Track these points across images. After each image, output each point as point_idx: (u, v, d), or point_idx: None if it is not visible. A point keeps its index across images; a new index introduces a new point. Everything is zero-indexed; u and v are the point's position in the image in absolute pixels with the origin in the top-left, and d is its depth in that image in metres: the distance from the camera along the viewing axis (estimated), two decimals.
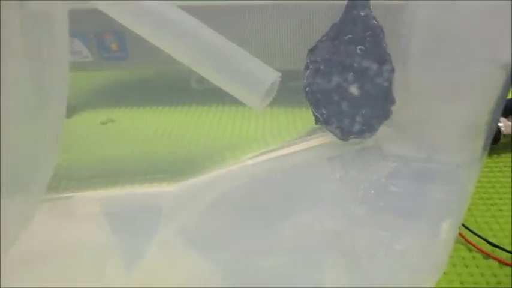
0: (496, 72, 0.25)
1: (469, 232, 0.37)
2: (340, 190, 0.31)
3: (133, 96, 0.42)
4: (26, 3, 0.18)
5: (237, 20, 0.36)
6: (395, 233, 0.28)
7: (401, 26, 0.28)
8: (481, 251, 0.35)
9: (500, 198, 0.42)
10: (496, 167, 0.46)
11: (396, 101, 0.29)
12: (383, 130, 0.30)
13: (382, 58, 0.28)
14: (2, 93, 0.18)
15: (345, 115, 0.30)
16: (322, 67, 0.29)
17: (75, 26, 0.38)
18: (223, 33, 0.26)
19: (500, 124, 0.47)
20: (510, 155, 0.48)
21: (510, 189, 0.43)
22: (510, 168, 0.46)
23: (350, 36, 0.28)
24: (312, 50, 0.29)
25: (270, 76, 0.26)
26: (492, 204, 0.41)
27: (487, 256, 0.35)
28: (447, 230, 0.28)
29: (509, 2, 0.23)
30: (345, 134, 0.30)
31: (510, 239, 0.37)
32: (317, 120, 0.31)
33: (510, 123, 0.47)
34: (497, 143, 0.47)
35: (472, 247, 0.36)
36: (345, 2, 0.28)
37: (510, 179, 0.44)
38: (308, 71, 0.30)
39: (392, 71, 0.28)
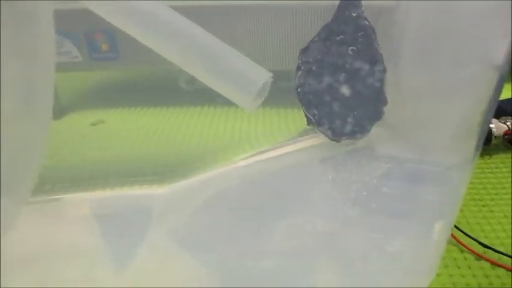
0: (488, 73, 0.25)
1: (461, 233, 0.37)
2: (333, 191, 0.31)
3: (124, 97, 0.41)
4: (11, 3, 0.18)
5: (229, 20, 0.36)
6: (387, 234, 0.28)
7: (393, 26, 0.28)
8: (472, 252, 0.35)
9: (492, 199, 0.42)
10: (487, 168, 0.46)
11: (388, 101, 0.29)
12: (375, 131, 0.29)
13: (374, 59, 0.28)
14: None
15: (336, 116, 0.29)
16: (314, 68, 0.29)
17: (65, 25, 0.38)
18: (214, 34, 0.26)
19: (491, 125, 0.47)
20: (501, 156, 0.48)
21: (501, 191, 0.43)
22: (501, 170, 0.46)
23: (342, 36, 0.28)
24: (303, 51, 0.29)
25: (262, 76, 0.26)
26: (484, 205, 0.41)
27: (478, 257, 0.35)
28: (439, 231, 0.28)
29: (502, 2, 0.23)
30: (336, 135, 0.30)
31: (501, 240, 0.37)
32: (309, 121, 0.30)
33: (501, 124, 0.47)
34: (488, 144, 0.47)
35: (464, 248, 0.36)
36: (337, 2, 0.28)
37: (501, 180, 0.44)
38: (300, 72, 0.29)
39: (384, 71, 0.28)
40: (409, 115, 0.30)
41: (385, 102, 0.29)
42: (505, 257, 0.35)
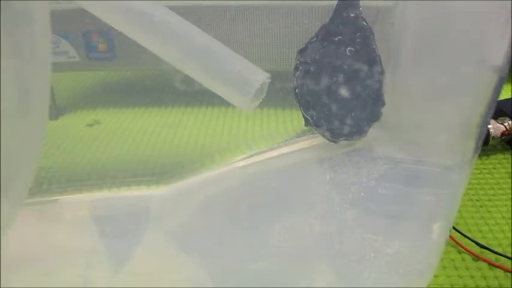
0: (487, 74, 0.25)
1: (459, 234, 0.37)
2: (330, 192, 0.31)
3: (121, 98, 0.41)
4: (7, 2, 0.18)
5: (226, 21, 0.36)
6: (385, 235, 0.28)
7: (391, 27, 0.28)
8: (470, 252, 0.35)
9: (490, 200, 0.42)
10: (485, 168, 0.46)
11: (386, 102, 0.29)
12: (373, 132, 0.29)
13: (372, 59, 0.28)
14: None
15: (334, 117, 0.29)
16: (311, 68, 0.29)
17: (62, 25, 0.38)
18: (212, 34, 0.26)
19: (489, 126, 0.47)
20: (499, 156, 0.48)
21: (499, 191, 0.43)
22: (499, 170, 0.46)
23: (340, 37, 0.28)
24: (301, 51, 0.29)
25: (260, 77, 0.26)
26: (481, 206, 0.41)
27: (476, 258, 0.35)
28: (438, 232, 0.28)
29: (501, 2, 0.23)
30: (335, 136, 0.30)
31: (499, 240, 0.37)
32: (306, 122, 0.30)
33: (499, 125, 0.47)
34: (486, 144, 0.47)
35: (462, 249, 0.36)
36: (335, 2, 0.28)
37: (499, 181, 0.44)
38: (298, 72, 0.29)
39: (382, 72, 0.28)
40: (408, 116, 0.30)
41: (383, 103, 0.29)
42: (503, 257, 0.35)
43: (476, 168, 0.46)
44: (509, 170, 0.46)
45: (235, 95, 0.26)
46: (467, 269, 0.34)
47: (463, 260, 0.35)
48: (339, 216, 0.29)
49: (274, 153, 0.34)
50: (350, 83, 0.29)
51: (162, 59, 0.25)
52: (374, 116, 0.29)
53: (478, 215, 0.40)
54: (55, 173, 0.35)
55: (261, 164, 0.33)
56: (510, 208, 0.40)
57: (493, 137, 0.47)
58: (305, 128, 0.31)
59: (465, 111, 0.26)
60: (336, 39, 0.28)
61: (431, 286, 0.32)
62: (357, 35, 0.28)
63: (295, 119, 0.31)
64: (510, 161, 0.47)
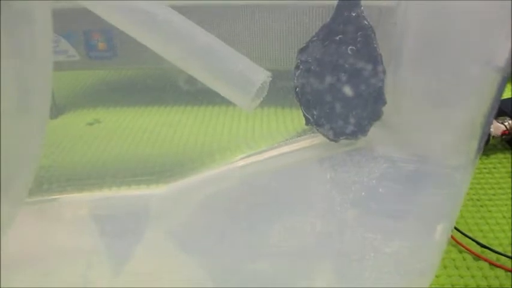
0: (491, 74, 0.24)
1: (459, 233, 0.37)
2: (331, 192, 0.31)
3: (121, 97, 0.41)
4: (8, 2, 0.17)
5: (228, 20, 0.36)
6: (386, 235, 0.28)
7: (393, 27, 0.28)
8: (471, 252, 0.35)
9: (490, 200, 0.42)
10: (485, 168, 0.46)
11: (387, 102, 0.29)
12: (374, 131, 0.29)
13: (374, 59, 0.28)
14: None
15: (336, 116, 0.29)
16: (312, 67, 0.29)
17: (62, 24, 0.38)
18: (213, 33, 0.25)
19: None
20: (499, 156, 0.48)
21: (499, 191, 0.43)
22: (499, 170, 0.46)
23: (341, 36, 0.28)
24: (302, 50, 0.29)
25: (261, 76, 0.26)
26: (482, 206, 0.41)
27: (477, 257, 0.35)
28: (439, 232, 0.28)
29: (503, 3, 0.23)
30: (337, 135, 0.30)
31: (500, 240, 0.37)
32: (307, 121, 0.30)
33: (499, 124, 0.47)
34: (486, 144, 0.47)
35: (463, 248, 0.36)
36: (336, 1, 0.28)
37: (499, 181, 0.44)
38: (298, 72, 0.29)
39: (384, 71, 0.28)
40: (409, 116, 0.30)
41: (384, 103, 0.29)
42: (504, 257, 0.35)
43: (477, 168, 0.46)
44: (510, 169, 0.46)
45: (237, 94, 0.26)
46: (468, 268, 0.34)
47: (464, 259, 0.35)
48: (340, 215, 0.29)
49: (275, 152, 0.34)
50: (351, 81, 0.28)
51: (162, 57, 0.25)
52: (375, 115, 0.29)
53: (478, 214, 0.40)
54: (55, 172, 0.35)
55: (261, 163, 0.33)
56: (510, 207, 0.40)
57: (493, 137, 0.47)
58: (305, 127, 0.31)
59: (468, 111, 0.26)
60: (337, 38, 0.28)
61: (432, 285, 0.32)
62: (358, 34, 0.28)
63: (295, 118, 0.31)
64: (510, 160, 0.47)
